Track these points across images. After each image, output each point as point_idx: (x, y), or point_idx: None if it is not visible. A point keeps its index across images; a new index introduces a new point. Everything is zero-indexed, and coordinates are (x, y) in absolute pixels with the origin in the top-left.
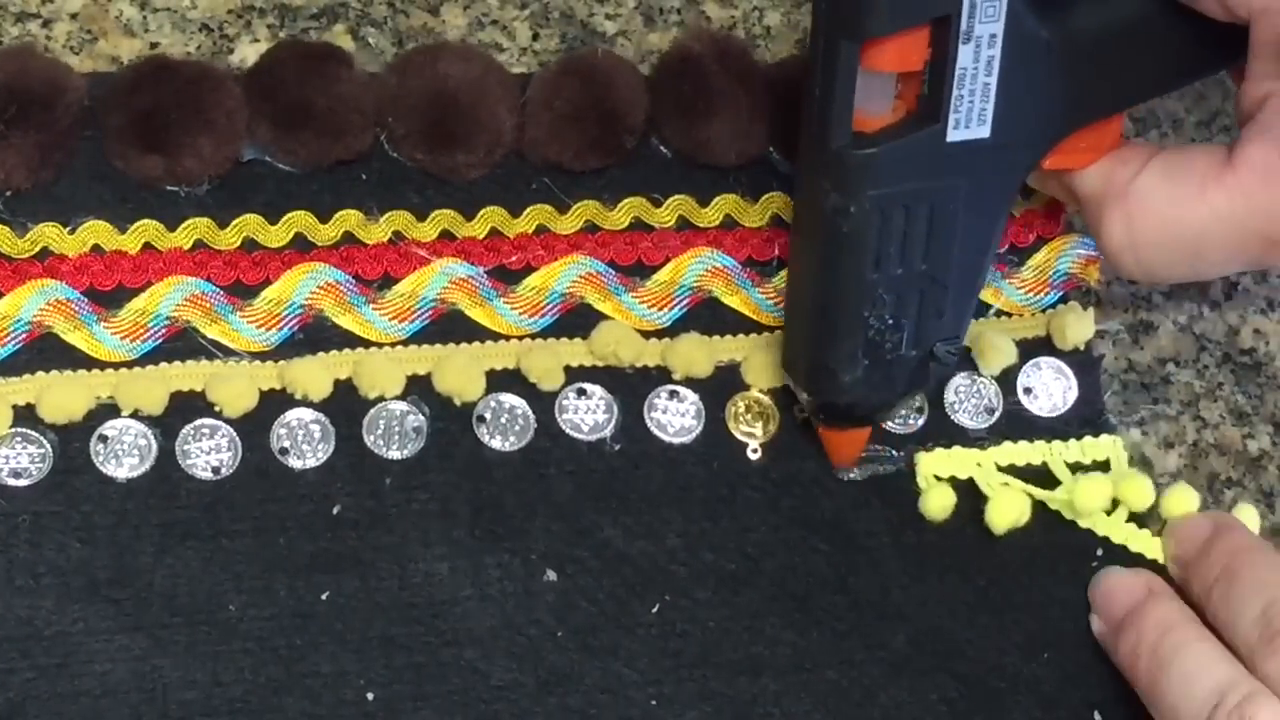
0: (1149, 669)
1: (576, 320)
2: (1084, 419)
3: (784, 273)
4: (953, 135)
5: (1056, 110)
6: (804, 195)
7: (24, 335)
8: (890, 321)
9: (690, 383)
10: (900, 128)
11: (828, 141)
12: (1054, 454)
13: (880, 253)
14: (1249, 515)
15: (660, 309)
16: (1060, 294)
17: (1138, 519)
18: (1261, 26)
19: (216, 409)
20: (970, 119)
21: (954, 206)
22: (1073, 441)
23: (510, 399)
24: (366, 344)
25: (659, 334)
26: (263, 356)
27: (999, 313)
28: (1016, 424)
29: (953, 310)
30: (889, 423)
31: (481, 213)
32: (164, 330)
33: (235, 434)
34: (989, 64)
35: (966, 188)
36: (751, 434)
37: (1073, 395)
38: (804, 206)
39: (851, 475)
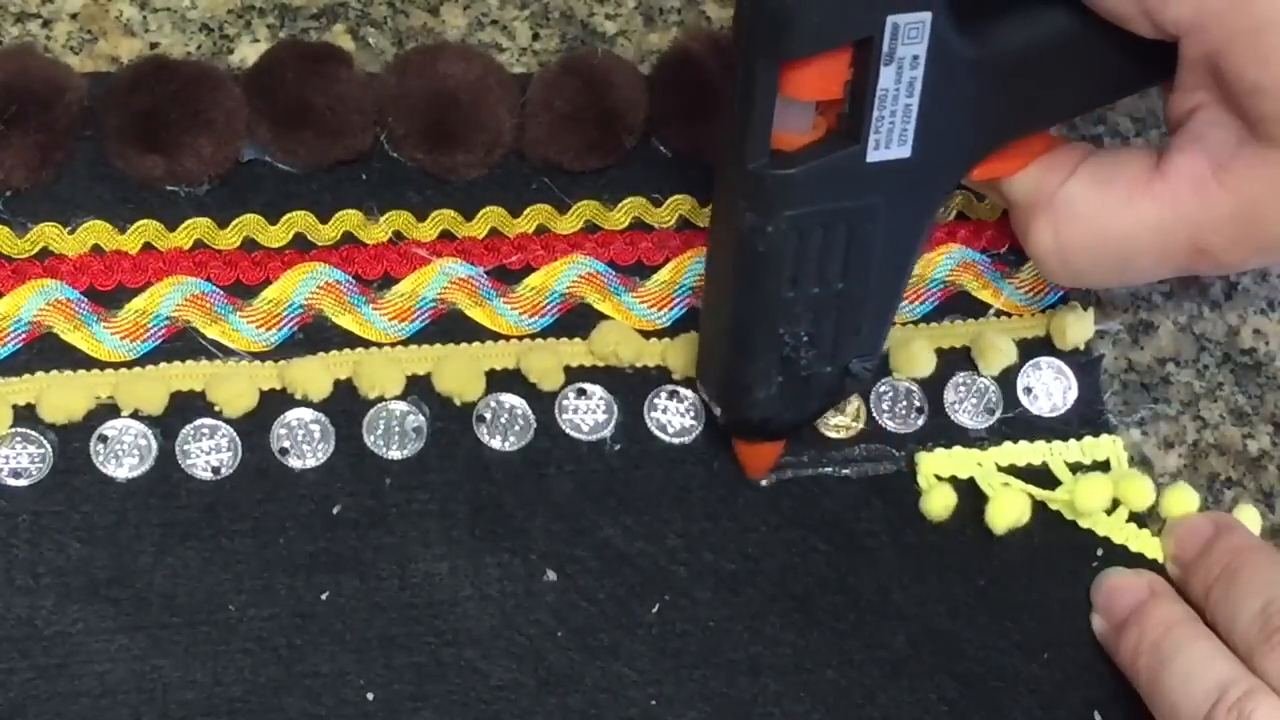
0: (1150, 666)
1: (576, 320)
2: (1084, 419)
3: None
4: (873, 155)
5: (980, 128)
6: (721, 213)
7: (24, 335)
8: (805, 339)
9: (690, 383)
10: (820, 148)
11: (744, 161)
12: (1054, 454)
13: (797, 271)
14: (1249, 516)
15: (660, 309)
16: (1060, 294)
17: (1138, 519)
18: (1190, 43)
19: (216, 409)
20: (891, 139)
21: (873, 225)
22: (1073, 441)
23: (510, 399)
24: (366, 344)
25: (659, 334)
26: (263, 356)
27: (999, 313)
28: (1017, 424)
29: (870, 327)
30: (889, 422)
31: (481, 213)
32: (164, 330)
33: (235, 434)
34: (911, 85)
35: (886, 207)
36: None
37: (1073, 395)
38: (720, 224)
39: (846, 473)
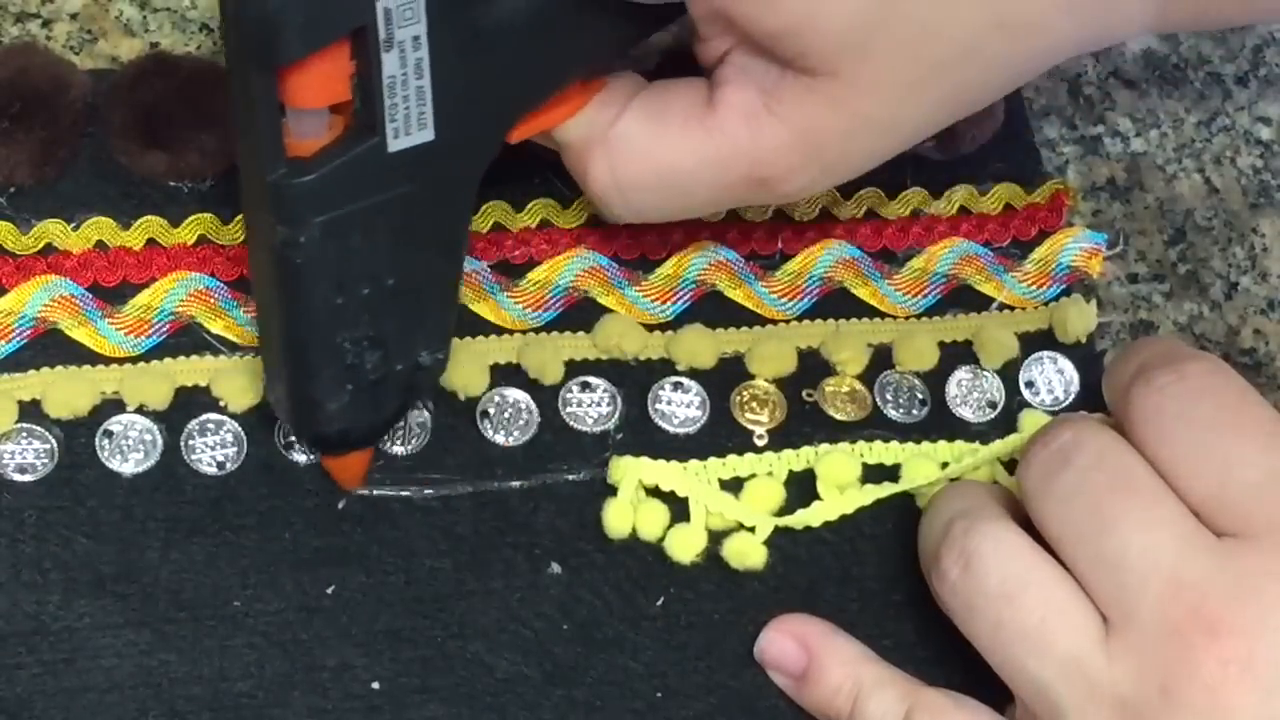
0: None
1: (580, 314)
2: (1088, 411)
3: (788, 266)
4: (395, 145)
5: (503, 97)
6: (251, 229)
7: (29, 331)
8: (367, 343)
9: (694, 374)
10: (338, 147)
11: (262, 175)
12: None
13: (341, 276)
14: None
15: (663, 302)
16: (1063, 287)
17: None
18: (695, 4)
19: (221, 404)
20: (410, 125)
21: (412, 215)
22: None
23: (514, 393)
24: None
25: (661, 327)
26: None
27: (1001, 306)
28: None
29: (433, 317)
30: (893, 412)
31: (485, 207)
32: (168, 325)
33: (240, 429)
34: (419, 67)
35: (422, 194)
36: (758, 421)
37: (1075, 388)
38: (254, 241)
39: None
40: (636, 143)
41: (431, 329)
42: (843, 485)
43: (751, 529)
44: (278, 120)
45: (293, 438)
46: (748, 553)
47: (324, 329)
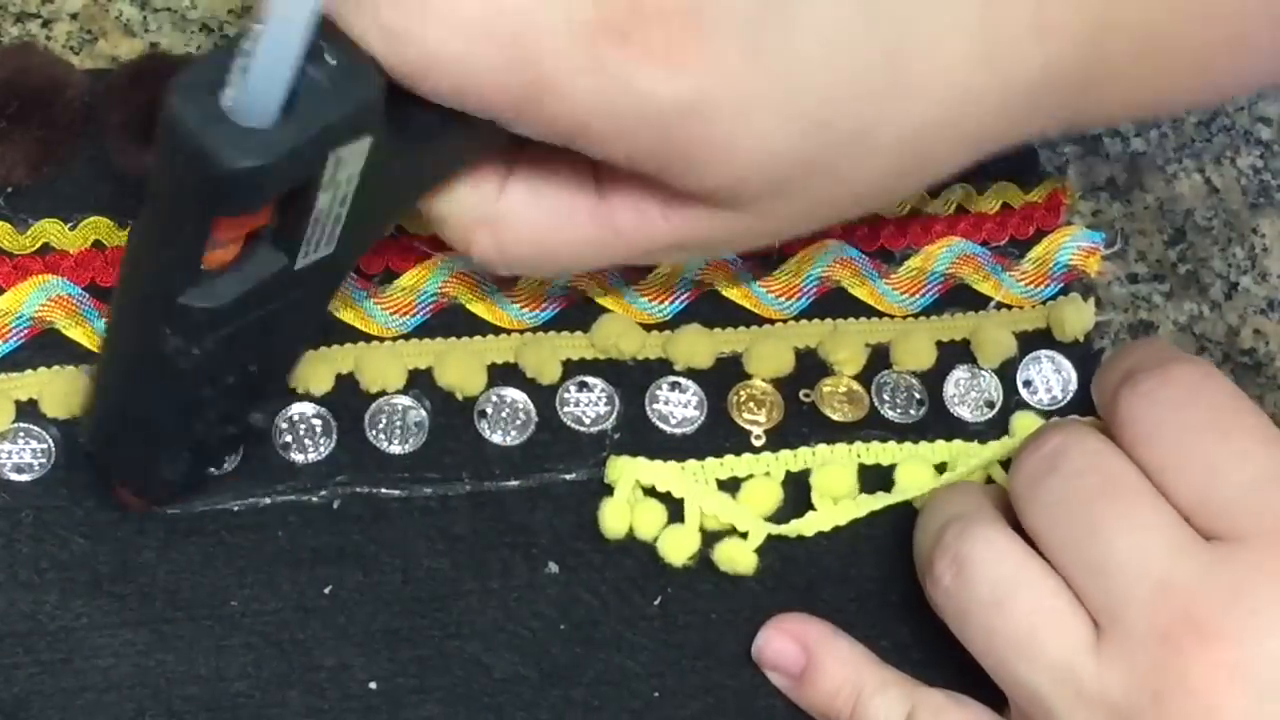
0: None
1: (577, 314)
2: (1084, 411)
3: (785, 265)
4: (300, 264)
5: (395, 204)
6: (130, 323)
7: (26, 331)
8: (216, 418)
9: (692, 374)
10: (248, 268)
11: (171, 294)
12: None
13: (217, 373)
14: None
15: (661, 302)
16: (1060, 286)
17: None
18: (613, 156)
19: None
20: (319, 246)
21: (293, 315)
22: None
23: (512, 393)
24: (368, 338)
25: (659, 326)
26: None
27: (999, 305)
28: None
29: (277, 386)
30: (890, 412)
31: None
32: None
33: None
34: (344, 199)
35: (308, 295)
36: (756, 421)
37: (1073, 387)
38: (129, 333)
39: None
40: (522, 224)
41: (272, 394)
42: (838, 496)
43: (744, 535)
44: (200, 252)
45: (289, 438)
46: (737, 559)
47: (186, 418)
